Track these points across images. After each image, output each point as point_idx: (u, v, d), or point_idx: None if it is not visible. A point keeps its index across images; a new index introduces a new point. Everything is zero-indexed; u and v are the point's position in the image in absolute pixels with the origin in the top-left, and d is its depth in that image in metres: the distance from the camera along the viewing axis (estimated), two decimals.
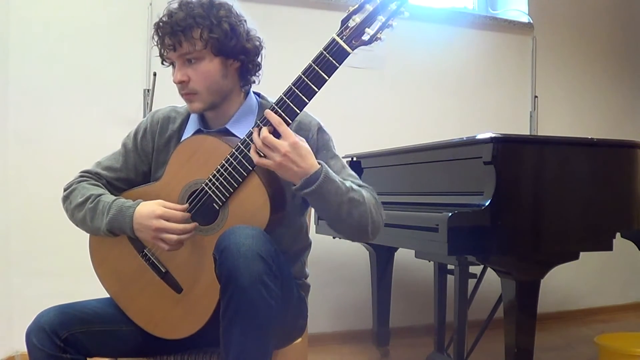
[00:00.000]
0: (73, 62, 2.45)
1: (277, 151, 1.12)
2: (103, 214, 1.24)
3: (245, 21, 1.28)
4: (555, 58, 3.33)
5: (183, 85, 1.25)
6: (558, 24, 3.36)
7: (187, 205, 1.22)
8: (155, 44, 1.26)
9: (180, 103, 1.41)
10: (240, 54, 1.27)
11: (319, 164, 1.15)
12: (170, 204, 1.22)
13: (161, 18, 1.24)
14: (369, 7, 1.12)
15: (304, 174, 1.13)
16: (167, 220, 1.19)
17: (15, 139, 2.37)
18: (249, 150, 1.16)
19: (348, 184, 1.20)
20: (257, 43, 1.30)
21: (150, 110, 2.40)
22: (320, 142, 1.31)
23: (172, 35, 1.21)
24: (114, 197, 1.28)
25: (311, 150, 1.16)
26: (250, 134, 1.17)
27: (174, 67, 1.28)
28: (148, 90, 2.45)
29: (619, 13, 3.54)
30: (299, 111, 1.15)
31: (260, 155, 1.14)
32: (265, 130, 1.13)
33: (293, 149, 1.12)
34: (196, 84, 1.25)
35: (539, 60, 3.27)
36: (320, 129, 1.32)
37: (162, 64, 1.30)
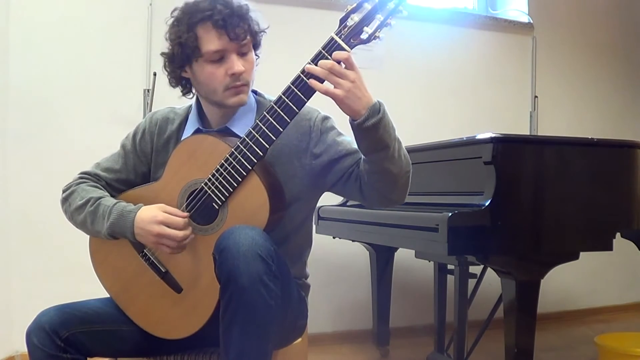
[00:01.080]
0: (73, 62, 2.45)
1: (347, 78, 1.11)
2: (104, 218, 1.24)
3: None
4: (555, 58, 3.33)
5: (240, 77, 1.24)
6: (558, 24, 3.36)
7: (187, 214, 1.21)
8: (187, 38, 1.21)
9: (179, 104, 1.41)
10: (258, 47, 1.31)
11: None
12: (172, 208, 1.21)
13: (217, 9, 1.19)
14: (368, 6, 1.11)
15: (369, 102, 1.13)
16: (168, 226, 1.18)
17: (15, 139, 2.37)
18: (248, 150, 1.16)
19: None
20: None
21: (150, 110, 2.40)
22: (324, 125, 1.32)
23: (238, 25, 1.20)
24: (114, 201, 1.27)
25: None
26: (249, 134, 1.17)
27: (188, 64, 1.25)
28: (148, 90, 2.45)
29: (619, 13, 3.53)
30: (297, 110, 1.15)
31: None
32: (327, 62, 1.11)
33: (359, 76, 1.12)
34: (248, 75, 1.26)
35: (539, 60, 3.27)
36: (321, 115, 1.33)
37: (190, 63, 1.25)
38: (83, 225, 1.29)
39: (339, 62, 1.11)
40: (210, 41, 1.21)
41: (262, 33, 1.29)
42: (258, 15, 1.27)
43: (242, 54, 1.24)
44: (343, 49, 1.11)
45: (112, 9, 2.51)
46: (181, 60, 1.25)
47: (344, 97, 1.11)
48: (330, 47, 1.12)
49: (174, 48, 1.24)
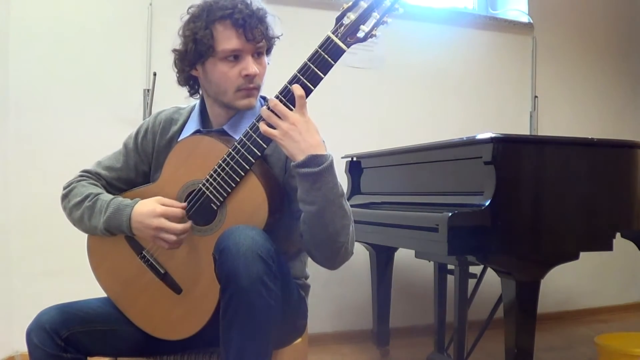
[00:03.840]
0: (73, 62, 2.45)
1: (286, 119, 1.11)
2: (100, 212, 1.24)
3: None
4: (555, 58, 3.33)
5: (253, 79, 1.23)
6: (558, 24, 3.36)
7: (185, 204, 1.22)
8: (203, 38, 1.19)
9: (183, 103, 1.41)
10: (269, 53, 1.29)
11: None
12: (169, 200, 1.21)
13: (238, 8, 1.19)
14: (364, 4, 1.11)
15: (310, 149, 1.11)
16: (167, 219, 1.18)
17: (15, 139, 2.37)
18: (246, 150, 1.16)
19: (342, 190, 1.17)
20: None
21: (150, 110, 2.40)
22: None
23: (256, 27, 1.20)
24: (112, 196, 1.27)
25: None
26: (247, 134, 1.17)
27: (200, 62, 1.23)
28: (148, 90, 2.45)
29: (619, 13, 3.53)
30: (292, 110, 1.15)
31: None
32: (275, 100, 1.13)
33: (303, 121, 1.11)
34: (260, 79, 1.25)
35: (539, 60, 3.27)
36: None
37: (202, 60, 1.23)
38: (80, 221, 1.29)
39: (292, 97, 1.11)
40: (228, 40, 1.20)
41: (275, 39, 1.28)
42: (274, 21, 1.26)
43: (256, 57, 1.24)
44: (340, 48, 1.11)
45: (112, 9, 2.51)
46: (194, 57, 1.23)
47: (280, 137, 1.12)
48: (326, 46, 1.12)
49: (187, 44, 1.22)
